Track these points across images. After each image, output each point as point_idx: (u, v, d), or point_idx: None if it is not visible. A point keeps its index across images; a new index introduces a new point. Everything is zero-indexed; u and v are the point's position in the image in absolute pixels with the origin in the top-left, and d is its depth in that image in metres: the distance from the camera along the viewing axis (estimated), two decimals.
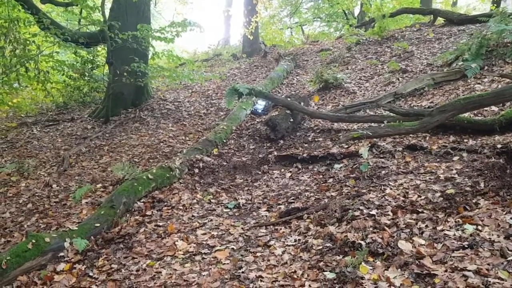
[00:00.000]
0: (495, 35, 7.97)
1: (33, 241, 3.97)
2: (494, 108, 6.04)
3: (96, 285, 3.62)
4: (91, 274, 3.83)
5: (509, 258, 2.92)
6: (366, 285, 2.95)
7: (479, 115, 6.07)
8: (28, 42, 8.46)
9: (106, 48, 9.64)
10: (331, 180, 5.26)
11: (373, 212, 3.95)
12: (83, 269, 3.94)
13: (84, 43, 9.53)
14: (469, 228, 3.37)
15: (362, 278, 3.04)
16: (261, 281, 3.36)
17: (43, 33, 9.13)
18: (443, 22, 12.93)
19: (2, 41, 8.23)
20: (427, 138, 5.85)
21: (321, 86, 9.75)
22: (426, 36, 11.57)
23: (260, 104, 9.03)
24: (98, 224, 4.56)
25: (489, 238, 3.19)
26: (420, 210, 3.86)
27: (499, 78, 7.03)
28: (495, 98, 5.23)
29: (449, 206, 3.82)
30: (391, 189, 4.46)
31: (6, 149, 8.40)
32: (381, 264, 3.20)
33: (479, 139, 5.43)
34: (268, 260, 3.68)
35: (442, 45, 10.32)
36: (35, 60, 8.56)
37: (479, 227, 3.38)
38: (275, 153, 6.63)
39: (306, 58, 13.64)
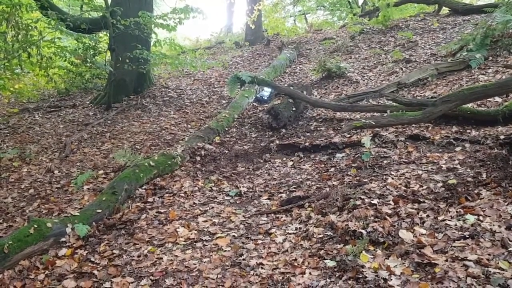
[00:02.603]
0: (500, 25, 7.90)
1: (35, 226, 3.98)
2: (497, 99, 6.02)
3: (97, 270, 3.64)
4: (92, 259, 3.85)
5: (510, 249, 2.92)
6: (366, 273, 2.96)
7: (483, 106, 6.04)
8: (30, 27, 8.41)
9: (108, 35, 9.59)
10: (332, 169, 5.26)
11: (375, 201, 3.95)
12: (84, 254, 3.96)
13: (86, 29, 9.47)
14: (470, 219, 3.37)
15: (363, 266, 3.05)
16: (261, 268, 3.37)
17: (45, 18, 9.07)
18: (448, 12, 12.83)
19: (4, 26, 8.18)
20: (430, 128, 5.84)
21: (324, 75, 9.71)
22: (430, 26, 11.49)
23: (266, 91, 8.99)
24: (99, 210, 4.57)
25: (490, 229, 3.20)
26: (421, 200, 3.86)
27: (503, 69, 6.99)
28: (499, 89, 5.20)
29: (451, 196, 3.82)
30: (392, 178, 4.46)
31: (8, 134, 8.41)
32: (381, 253, 3.21)
33: (482, 130, 5.41)
34: (269, 248, 3.70)
35: (447, 35, 10.25)
36: (37, 45, 8.51)
37: (481, 218, 3.38)
38: (277, 141, 6.62)
39: (309, 47, 13.57)
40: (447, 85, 7.16)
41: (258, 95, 9.02)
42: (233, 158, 6.36)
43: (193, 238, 4.04)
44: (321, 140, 6.14)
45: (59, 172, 6.42)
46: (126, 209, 4.81)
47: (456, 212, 3.55)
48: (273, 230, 4.01)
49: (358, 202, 3.97)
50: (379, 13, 13.21)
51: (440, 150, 5.07)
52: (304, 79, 10.29)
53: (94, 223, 4.42)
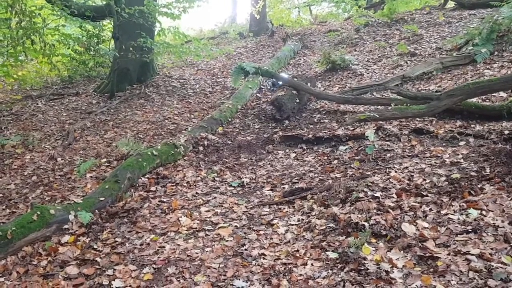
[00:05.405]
0: (506, 20, 7.83)
1: (38, 212, 4.00)
2: (502, 94, 5.99)
3: (100, 257, 3.66)
4: (95, 246, 3.87)
5: None
6: (368, 265, 2.97)
7: (487, 100, 6.02)
8: (34, 14, 8.37)
9: (112, 23, 9.55)
10: (335, 161, 5.26)
11: (377, 194, 3.95)
12: (87, 241, 3.97)
13: (90, 16, 9.43)
14: (473, 213, 3.37)
15: (365, 258, 3.06)
16: (263, 258, 3.38)
17: (49, 5, 9.03)
18: (453, 5, 12.73)
19: (8, 13, 8.15)
20: (434, 122, 5.83)
21: (328, 67, 9.67)
22: (436, 20, 11.41)
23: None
24: (102, 198, 4.58)
25: (493, 223, 3.20)
26: (424, 194, 3.85)
27: (509, 63, 6.95)
28: (504, 83, 5.18)
29: (454, 190, 3.81)
30: (396, 172, 4.45)
31: (11, 121, 8.41)
32: (384, 245, 3.21)
33: (486, 125, 5.40)
34: (271, 239, 3.70)
35: (452, 29, 10.19)
36: (40, 33, 8.48)
37: (484, 212, 3.38)
38: (280, 133, 6.61)
39: (313, 39, 13.50)
40: (452, 79, 7.13)
41: (272, 80, 8.99)
42: (236, 148, 6.36)
43: (196, 228, 4.05)
44: (325, 132, 6.13)
45: (62, 159, 6.43)
46: (129, 198, 4.82)
47: (459, 206, 3.55)
48: (275, 221, 4.01)
49: (361, 195, 3.97)
50: (384, 6, 13.11)
51: (444, 144, 5.07)
52: (308, 71, 10.25)
53: (97, 211, 4.44)
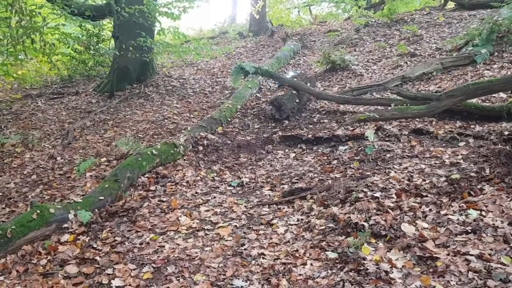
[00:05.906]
0: (506, 21, 7.84)
1: (38, 211, 4.00)
2: (502, 94, 5.99)
3: (100, 256, 3.66)
4: (95, 245, 3.87)
5: None
6: (367, 265, 2.97)
7: (487, 101, 6.02)
8: (34, 13, 8.37)
9: (112, 22, 9.55)
10: (335, 161, 5.26)
11: (377, 194, 3.95)
12: (87, 240, 3.98)
13: (91, 16, 9.42)
14: (473, 213, 3.38)
15: (364, 259, 3.06)
16: (263, 258, 3.38)
17: (49, 4, 9.02)
18: (453, 6, 12.75)
19: (8, 12, 8.14)
20: (434, 122, 5.83)
21: (328, 67, 9.67)
22: (436, 20, 11.42)
23: (292, 72, 8.98)
24: (102, 197, 4.58)
25: (493, 224, 3.20)
26: (424, 194, 3.86)
27: (508, 64, 6.96)
28: (504, 84, 5.17)
29: (454, 191, 3.82)
30: (395, 172, 4.46)
31: (11, 120, 8.40)
32: (383, 246, 3.21)
33: (486, 126, 5.40)
34: (271, 238, 3.70)
35: (452, 30, 10.19)
36: (40, 32, 8.47)
37: (483, 213, 3.39)
38: (280, 133, 6.62)
39: (313, 39, 13.51)
40: (451, 80, 7.13)
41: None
42: (235, 148, 6.36)
43: (195, 227, 4.05)
44: (324, 133, 6.13)
45: (61, 158, 6.42)
46: (128, 197, 4.82)
47: (459, 207, 3.55)
48: (275, 221, 4.01)
49: (361, 195, 3.97)
50: (384, 6, 13.13)
51: (443, 144, 5.07)
52: (308, 71, 10.25)
53: (96, 210, 4.44)
